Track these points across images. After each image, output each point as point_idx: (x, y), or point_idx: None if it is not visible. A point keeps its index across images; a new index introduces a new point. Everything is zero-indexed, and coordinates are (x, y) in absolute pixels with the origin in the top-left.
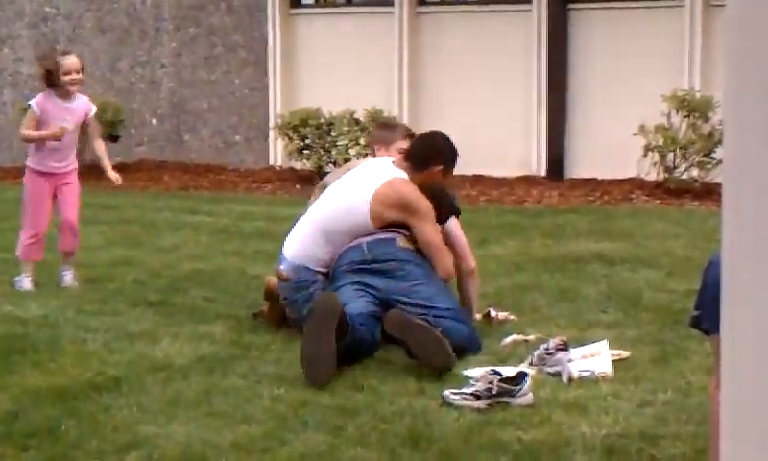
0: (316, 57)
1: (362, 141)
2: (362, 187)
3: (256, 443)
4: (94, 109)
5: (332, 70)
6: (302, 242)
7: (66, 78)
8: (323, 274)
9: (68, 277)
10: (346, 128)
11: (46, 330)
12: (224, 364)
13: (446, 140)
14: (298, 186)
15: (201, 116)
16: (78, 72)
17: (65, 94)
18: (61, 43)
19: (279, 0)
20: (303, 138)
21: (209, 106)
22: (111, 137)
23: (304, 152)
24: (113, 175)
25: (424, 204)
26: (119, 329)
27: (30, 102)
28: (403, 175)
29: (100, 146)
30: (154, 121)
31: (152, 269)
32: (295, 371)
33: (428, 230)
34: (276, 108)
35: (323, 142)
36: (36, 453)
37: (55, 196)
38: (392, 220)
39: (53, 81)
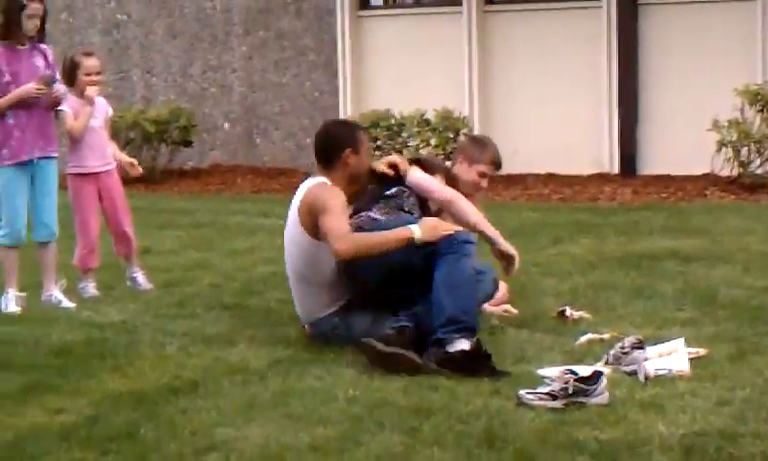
0: (385, 58)
1: (433, 142)
2: (291, 215)
3: (333, 444)
4: (110, 111)
5: (402, 71)
6: (298, 301)
7: (86, 78)
8: (339, 308)
9: (140, 277)
10: (416, 128)
11: (124, 335)
12: (299, 366)
13: (336, 123)
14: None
15: (272, 120)
16: (98, 74)
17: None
18: (133, 49)
19: (348, 2)
20: (374, 140)
21: (281, 109)
22: (185, 142)
23: (375, 153)
24: (127, 159)
25: (328, 197)
26: (196, 333)
27: (61, 107)
28: (318, 180)
29: (111, 144)
30: (226, 125)
31: (226, 272)
32: (369, 372)
33: (326, 221)
34: (347, 109)
35: (393, 143)
36: (115, 457)
37: (101, 199)
38: (316, 226)
39: (73, 79)
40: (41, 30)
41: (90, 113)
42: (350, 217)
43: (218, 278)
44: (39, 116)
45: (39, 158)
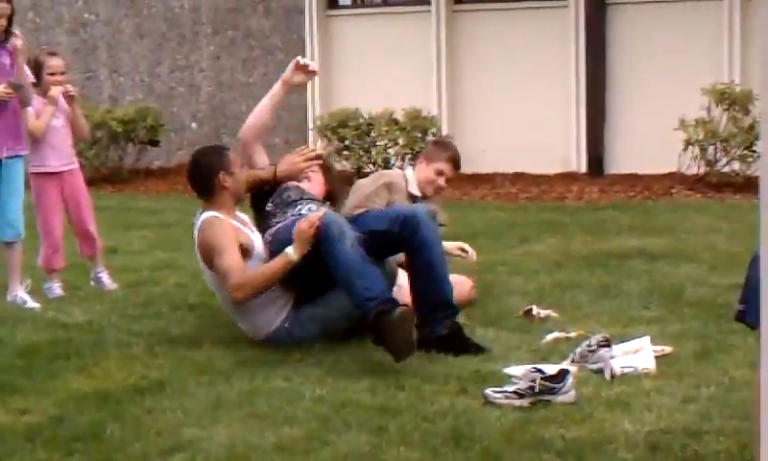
0: (354, 57)
1: (401, 141)
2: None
3: (299, 444)
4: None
5: (370, 71)
6: (242, 326)
7: (50, 78)
8: (286, 315)
9: (104, 277)
10: (385, 128)
11: (90, 335)
12: (266, 366)
13: (202, 152)
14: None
15: (240, 119)
16: (62, 73)
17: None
18: (100, 49)
19: (317, 1)
20: (342, 139)
21: (248, 108)
22: (152, 142)
23: (344, 153)
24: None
25: (214, 237)
26: (161, 333)
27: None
28: (206, 217)
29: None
30: (193, 125)
31: (193, 272)
32: (336, 372)
33: (219, 265)
34: (315, 109)
35: (362, 143)
36: (80, 457)
37: (64, 199)
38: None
39: (37, 79)
40: (7, 29)
41: (52, 113)
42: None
43: (184, 277)
44: (7, 115)
45: (7, 158)
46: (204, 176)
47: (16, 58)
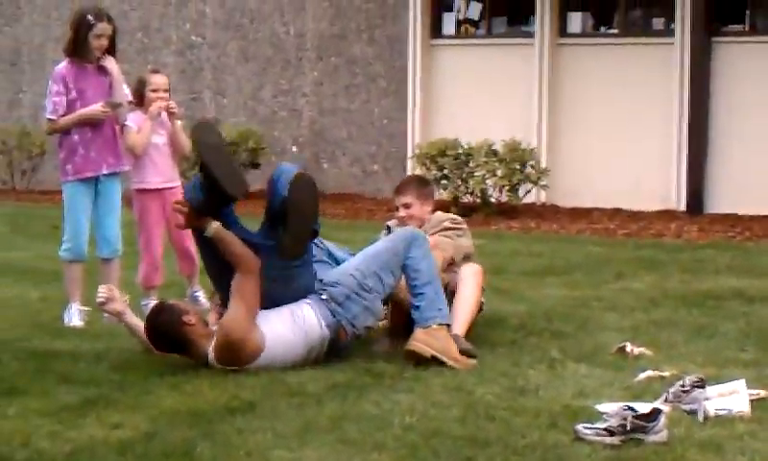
0: (455, 87)
1: (499, 173)
2: None
3: None
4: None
5: (471, 101)
6: None
7: (153, 95)
8: None
9: (201, 296)
10: (483, 159)
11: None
12: (356, 391)
13: (159, 319)
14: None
15: (340, 145)
16: (165, 90)
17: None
18: (205, 71)
19: (421, 30)
20: (441, 168)
21: (348, 134)
22: (253, 165)
23: (442, 182)
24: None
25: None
26: None
27: (126, 122)
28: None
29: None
30: (294, 149)
31: None
32: (426, 400)
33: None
34: (415, 137)
35: (460, 172)
36: None
37: (166, 217)
38: None
39: (141, 97)
40: (110, 49)
41: (151, 129)
42: None
43: None
44: (107, 132)
45: (105, 175)
46: (172, 336)
47: (111, 77)
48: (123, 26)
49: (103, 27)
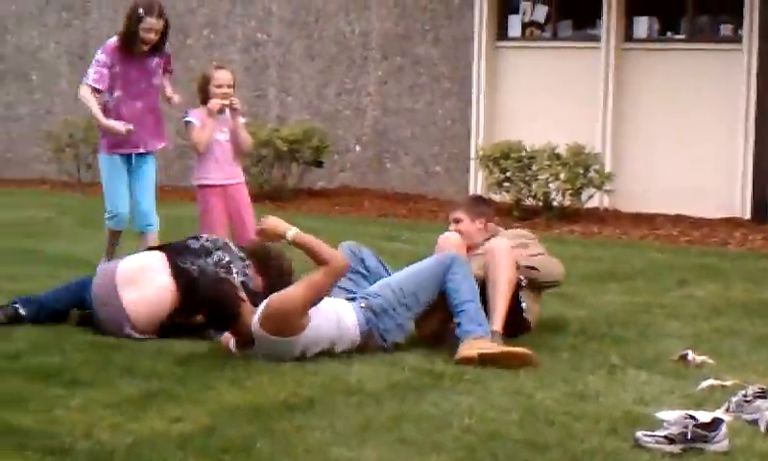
0: (519, 89)
1: (562, 176)
2: None
3: None
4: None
5: (535, 103)
6: None
7: (217, 90)
8: None
9: None
10: (547, 162)
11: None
12: (416, 391)
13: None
14: (496, 219)
15: (403, 145)
16: (229, 86)
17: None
18: (270, 68)
19: (486, 32)
20: (504, 171)
21: (412, 134)
22: (316, 163)
23: (504, 185)
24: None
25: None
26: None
27: (188, 118)
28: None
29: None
30: (357, 148)
31: None
32: (486, 402)
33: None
34: (478, 139)
35: (523, 175)
36: None
37: (228, 213)
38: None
39: (205, 93)
40: (161, 43)
41: (214, 126)
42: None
43: None
44: (146, 113)
45: (140, 154)
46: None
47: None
48: (190, 22)
49: (151, 21)
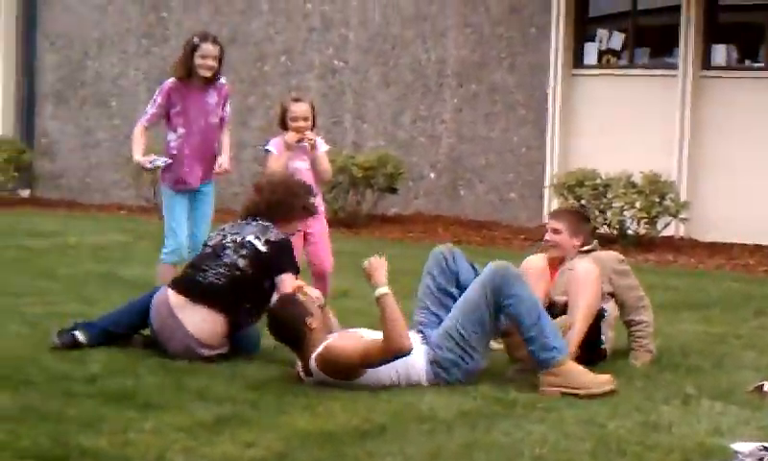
0: (595, 117)
1: (638, 205)
2: None
3: None
4: (324, 147)
5: (611, 131)
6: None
7: (292, 124)
8: None
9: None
10: (622, 190)
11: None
12: (487, 419)
13: (281, 310)
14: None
15: (477, 172)
16: (306, 119)
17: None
18: (347, 95)
19: (562, 59)
20: (578, 198)
21: (486, 162)
22: (390, 189)
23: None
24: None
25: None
26: None
27: (267, 147)
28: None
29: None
30: (432, 175)
31: None
32: (558, 431)
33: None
34: (553, 166)
35: (598, 203)
36: None
37: (305, 239)
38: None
39: (284, 123)
40: (218, 69)
41: (287, 158)
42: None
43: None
44: (206, 148)
45: (200, 185)
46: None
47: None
48: (267, 49)
49: (207, 48)
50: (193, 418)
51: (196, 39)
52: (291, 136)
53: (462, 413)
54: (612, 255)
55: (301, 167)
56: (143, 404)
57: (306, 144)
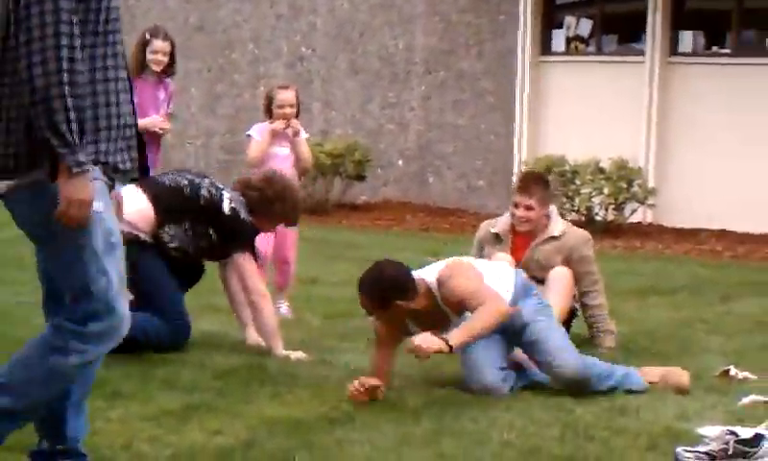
0: (563, 104)
1: (605, 191)
2: None
3: None
4: (305, 134)
5: (579, 118)
6: None
7: (278, 111)
8: None
9: (283, 309)
10: (590, 177)
11: (285, 363)
12: (455, 407)
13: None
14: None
15: (446, 159)
16: (292, 106)
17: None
18: (315, 83)
19: (530, 47)
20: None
21: (455, 149)
22: (359, 177)
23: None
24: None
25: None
26: (355, 365)
27: (250, 132)
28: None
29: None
30: (400, 162)
31: None
32: (525, 417)
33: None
34: (521, 153)
35: (566, 190)
36: None
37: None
38: None
39: (269, 112)
40: (170, 65)
41: (268, 144)
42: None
43: None
44: (153, 137)
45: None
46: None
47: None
48: (235, 36)
49: (157, 44)
50: (160, 406)
51: (147, 35)
52: (279, 124)
53: (430, 401)
54: (579, 237)
55: (281, 153)
56: (110, 393)
57: (290, 131)
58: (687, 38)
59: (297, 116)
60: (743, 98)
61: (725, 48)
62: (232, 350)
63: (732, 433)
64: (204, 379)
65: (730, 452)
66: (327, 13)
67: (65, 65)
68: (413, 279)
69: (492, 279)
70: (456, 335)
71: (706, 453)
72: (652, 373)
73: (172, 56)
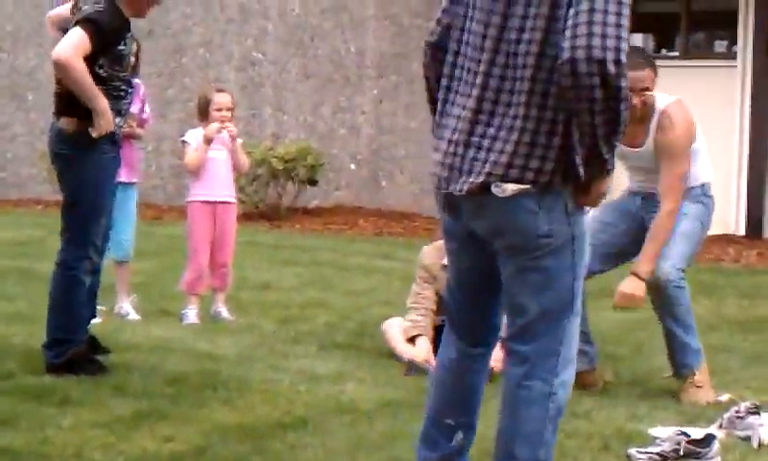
0: None
1: None
2: None
3: None
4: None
5: None
6: None
7: (216, 114)
8: None
9: (224, 313)
10: None
11: (237, 368)
12: (408, 409)
13: None
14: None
15: (398, 163)
16: (229, 109)
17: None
18: (266, 87)
19: None
20: None
21: (407, 153)
22: (311, 181)
23: None
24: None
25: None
26: (308, 371)
27: (184, 138)
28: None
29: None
30: (352, 166)
31: (342, 312)
32: (481, 420)
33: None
34: None
35: None
36: None
37: (213, 232)
38: None
39: (205, 114)
40: (135, 66)
41: (206, 149)
42: None
43: (334, 317)
44: (125, 147)
45: (122, 183)
46: None
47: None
48: (185, 41)
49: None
50: (111, 413)
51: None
52: (212, 128)
53: (383, 403)
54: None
55: (219, 157)
56: (61, 401)
57: (226, 135)
58: (637, 41)
59: (231, 120)
60: (691, 99)
61: (673, 50)
62: (184, 355)
63: (684, 434)
64: (154, 385)
65: (681, 453)
66: (278, 18)
67: None
68: None
69: None
70: (645, 265)
71: (658, 454)
72: None
73: (137, 57)
